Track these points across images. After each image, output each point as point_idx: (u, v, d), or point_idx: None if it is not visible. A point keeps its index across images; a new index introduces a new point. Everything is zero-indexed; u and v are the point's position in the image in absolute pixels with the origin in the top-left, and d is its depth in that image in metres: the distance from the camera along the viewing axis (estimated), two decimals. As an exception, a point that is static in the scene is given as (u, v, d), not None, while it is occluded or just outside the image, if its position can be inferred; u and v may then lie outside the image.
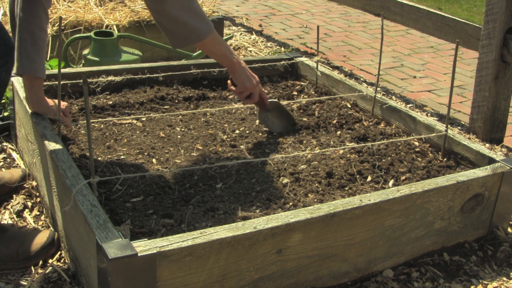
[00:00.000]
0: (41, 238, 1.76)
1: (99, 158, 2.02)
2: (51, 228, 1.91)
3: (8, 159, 2.32)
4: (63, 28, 3.22)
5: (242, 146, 2.19)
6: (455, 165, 2.14)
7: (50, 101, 2.04)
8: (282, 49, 4.08)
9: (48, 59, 3.06)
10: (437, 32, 3.20)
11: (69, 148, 2.07)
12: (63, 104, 2.07)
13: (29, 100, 2.00)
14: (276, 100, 2.38)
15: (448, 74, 3.95)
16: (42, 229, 1.91)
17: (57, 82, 2.20)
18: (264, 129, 2.33)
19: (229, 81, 2.16)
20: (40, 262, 1.75)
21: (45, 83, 2.33)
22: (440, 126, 2.24)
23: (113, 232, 1.42)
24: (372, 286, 1.75)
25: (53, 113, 2.03)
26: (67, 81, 2.43)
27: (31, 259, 1.73)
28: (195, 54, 3.29)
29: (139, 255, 1.35)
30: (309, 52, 4.17)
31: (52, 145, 1.82)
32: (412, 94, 3.55)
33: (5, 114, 2.52)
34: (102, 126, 2.27)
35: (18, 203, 2.03)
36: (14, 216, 1.98)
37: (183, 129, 2.27)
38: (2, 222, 1.90)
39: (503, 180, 1.93)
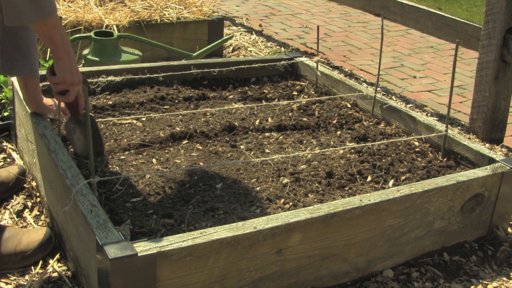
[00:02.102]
0: (38, 236, 1.76)
1: (99, 158, 2.02)
2: (49, 225, 1.91)
3: (8, 159, 2.32)
4: (63, 28, 3.21)
5: (242, 146, 2.19)
6: (455, 165, 2.14)
7: (49, 100, 2.04)
8: (282, 49, 4.08)
9: (48, 59, 3.06)
10: (437, 32, 3.20)
11: (69, 148, 2.07)
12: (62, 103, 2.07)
13: (27, 101, 2.00)
14: (93, 115, 2.00)
15: (448, 74, 3.95)
16: (39, 226, 1.91)
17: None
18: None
19: (48, 67, 1.84)
20: (40, 262, 1.75)
21: (45, 83, 2.33)
22: (440, 126, 2.24)
23: (113, 232, 1.42)
24: (372, 286, 1.75)
25: (52, 112, 2.03)
26: (67, 81, 2.42)
27: (29, 257, 1.73)
28: (195, 54, 3.29)
29: (139, 255, 1.35)
30: (309, 52, 4.17)
31: (52, 145, 1.82)
32: (412, 94, 3.55)
33: (5, 114, 2.52)
34: (102, 126, 2.27)
35: (18, 203, 2.03)
36: (14, 216, 1.98)
37: (183, 129, 2.27)
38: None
39: (503, 180, 1.93)
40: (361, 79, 3.69)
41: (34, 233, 1.78)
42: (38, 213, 2.01)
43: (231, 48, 4.02)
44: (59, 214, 1.79)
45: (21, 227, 1.93)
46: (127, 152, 2.08)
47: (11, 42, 1.87)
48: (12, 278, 1.70)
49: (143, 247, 1.37)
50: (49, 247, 1.77)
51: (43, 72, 2.36)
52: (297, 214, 1.57)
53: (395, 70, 3.98)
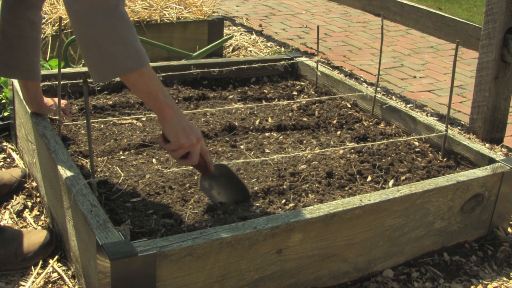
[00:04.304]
0: (39, 238, 1.76)
1: (99, 158, 2.02)
2: (51, 227, 1.91)
3: (8, 159, 2.32)
4: (63, 28, 3.22)
5: (242, 146, 2.19)
6: (455, 165, 2.14)
7: (50, 100, 2.04)
8: (282, 49, 4.08)
9: (48, 59, 3.06)
10: (437, 32, 3.20)
11: (69, 148, 2.07)
12: (63, 102, 2.07)
13: (27, 101, 2.00)
14: (224, 163, 1.85)
15: (448, 74, 3.95)
16: (39, 228, 1.91)
17: (57, 82, 2.20)
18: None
19: (160, 134, 1.64)
20: (40, 262, 1.75)
21: (45, 83, 2.34)
22: (440, 126, 2.24)
23: (113, 232, 1.42)
24: (372, 286, 1.75)
25: (52, 112, 2.03)
26: (67, 81, 2.43)
27: (30, 259, 1.73)
28: (195, 54, 3.29)
29: (139, 255, 1.35)
30: (309, 52, 4.17)
31: (52, 145, 1.82)
32: (412, 94, 3.55)
33: (5, 114, 2.52)
34: (102, 126, 2.27)
35: (18, 203, 2.03)
36: (14, 216, 1.98)
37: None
38: (0, 224, 1.90)
39: (503, 180, 1.93)
40: (361, 79, 3.69)
41: (35, 235, 1.77)
42: (38, 213, 2.01)
43: (231, 48, 4.02)
44: (59, 214, 1.79)
45: (21, 227, 1.93)
46: (127, 152, 2.08)
47: (9, 50, 1.83)
48: (12, 278, 1.70)
49: (143, 247, 1.37)
50: (49, 249, 1.77)
51: (44, 72, 2.36)
52: (297, 214, 1.57)
53: (395, 70, 3.98)
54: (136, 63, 1.40)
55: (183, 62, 2.82)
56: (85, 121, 2.24)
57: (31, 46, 1.86)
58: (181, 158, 1.62)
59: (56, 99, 2.03)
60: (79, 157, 2.02)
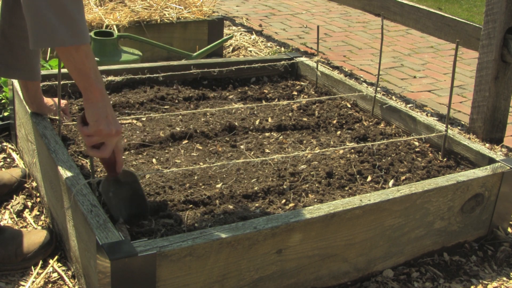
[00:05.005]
0: (39, 238, 1.76)
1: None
2: (51, 227, 1.91)
3: (8, 159, 2.32)
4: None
5: (242, 146, 2.19)
6: (455, 165, 2.14)
7: (50, 100, 2.04)
8: (282, 49, 4.08)
9: (48, 59, 3.06)
10: (437, 32, 3.20)
11: (69, 148, 2.07)
12: (63, 102, 2.07)
13: (27, 101, 2.00)
14: (133, 171, 1.75)
15: (448, 74, 3.95)
16: (39, 228, 1.91)
17: (57, 82, 2.20)
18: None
19: (79, 115, 1.52)
20: (40, 262, 1.75)
21: (45, 83, 2.33)
22: (440, 126, 2.24)
23: (113, 232, 1.42)
24: (372, 286, 1.75)
25: (52, 112, 2.03)
26: (67, 81, 2.43)
27: (30, 259, 1.73)
28: (195, 54, 3.29)
29: (139, 255, 1.35)
30: (309, 52, 4.17)
31: (52, 145, 1.82)
32: (412, 94, 3.55)
33: (5, 114, 2.52)
34: (102, 126, 2.27)
35: (18, 203, 2.03)
36: (14, 216, 1.98)
37: (183, 129, 2.27)
38: (0, 223, 1.90)
39: (503, 180, 1.93)
40: (361, 79, 3.69)
41: (35, 235, 1.77)
42: (38, 213, 2.01)
43: (231, 48, 4.02)
44: (59, 214, 1.79)
45: (21, 227, 1.93)
46: (127, 152, 2.08)
47: (9, 50, 1.83)
48: (12, 278, 1.70)
49: (143, 247, 1.37)
50: (49, 249, 1.77)
51: (44, 72, 2.36)
52: (297, 214, 1.57)
53: (395, 70, 3.98)
54: (75, 38, 1.36)
55: (183, 62, 2.82)
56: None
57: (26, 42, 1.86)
58: (93, 148, 1.52)
59: (56, 99, 2.03)
60: (79, 157, 2.02)
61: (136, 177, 1.71)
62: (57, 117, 2.01)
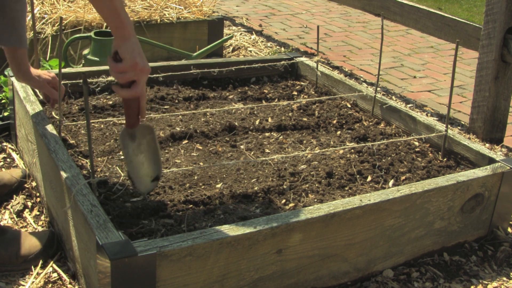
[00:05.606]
0: (40, 239, 1.76)
1: (99, 158, 2.02)
2: (51, 228, 1.91)
3: (8, 159, 2.32)
4: (63, 28, 3.22)
5: (242, 146, 2.19)
6: (455, 165, 2.14)
7: (39, 72, 2.02)
8: (282, 49, 4.08)
9: (48, 59, 3.06)
10: (437, 32, 3.20)
11: (69, 148, 2.07)
12: (50, 75, 2.04)
13: (14, 71, 1.98)
14: (150, 125, 1.70)
15: (448, 74, 3.95)
16: (41, 229, 1.91)
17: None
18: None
19: (109, 56, 1.54)
20: (40, 262, 1.75)
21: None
22: (440, 126, 2.24)
23: (113, 232, 1.42)
24: (372, 286, 1.75)
25: (39, 84, 2.01)
26: (67, 81, 2.43)
27: (31, 261, 1.73)
28: (195, 54, 3.29)
29: (139, 255, 1.35)
30: (309, 52, 4.17)
31: (52, 145, 1.82)
32: (412, 94, 3.55)
33: (5, 114, 2.52)
34: (102, 126, 2.27)
35: (18, 203, 2.03)
36: (14, 216, 1.98)
37: (183, 129, 2.27)
38: (1, 224, 1.90)
39: (503, 180, 1.93)
40: (361, 79, 3.69)
41: (36, 236, 1.77)
42: (38, 213, 2.01)
43: (231, 48, 4.02)
44: (59, 214, 1.79)
45: (21, 227, 1.93)
46: (127, 152, 2.08)
47: (0, 13, 1.80)
48: (13, 278, 1.70)
49: (143, 247, 1.37)
50: (51, 251, 1.77)
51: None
52: (297, 214, 1.57)
53: (395, 70, 3.98)
54: None
55: (183, 62, 2.82)
56: (85, 121, 2.24)
57: (22, 12, 1.84)
58: (124, 87, 1.54)
59: (43, 72, 2.01)
60: (79, 157, 2.02)
61: (153, 132, 1.69)
62: (57, 117, 2.00)
